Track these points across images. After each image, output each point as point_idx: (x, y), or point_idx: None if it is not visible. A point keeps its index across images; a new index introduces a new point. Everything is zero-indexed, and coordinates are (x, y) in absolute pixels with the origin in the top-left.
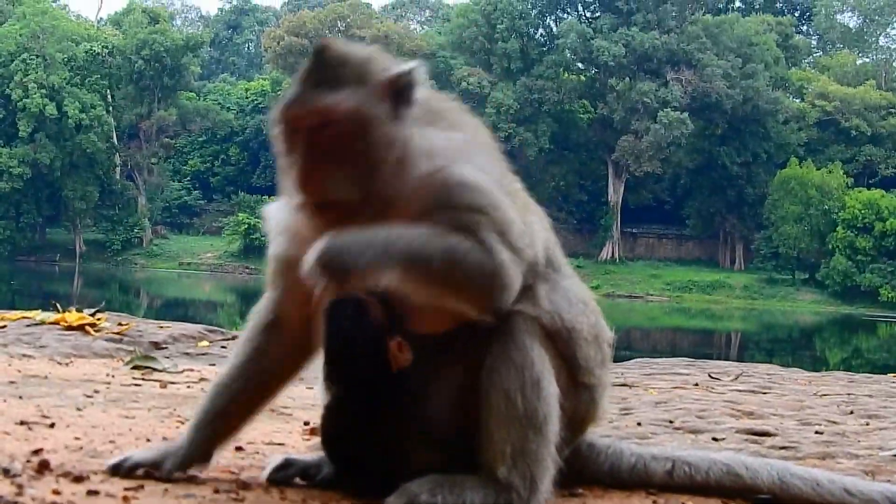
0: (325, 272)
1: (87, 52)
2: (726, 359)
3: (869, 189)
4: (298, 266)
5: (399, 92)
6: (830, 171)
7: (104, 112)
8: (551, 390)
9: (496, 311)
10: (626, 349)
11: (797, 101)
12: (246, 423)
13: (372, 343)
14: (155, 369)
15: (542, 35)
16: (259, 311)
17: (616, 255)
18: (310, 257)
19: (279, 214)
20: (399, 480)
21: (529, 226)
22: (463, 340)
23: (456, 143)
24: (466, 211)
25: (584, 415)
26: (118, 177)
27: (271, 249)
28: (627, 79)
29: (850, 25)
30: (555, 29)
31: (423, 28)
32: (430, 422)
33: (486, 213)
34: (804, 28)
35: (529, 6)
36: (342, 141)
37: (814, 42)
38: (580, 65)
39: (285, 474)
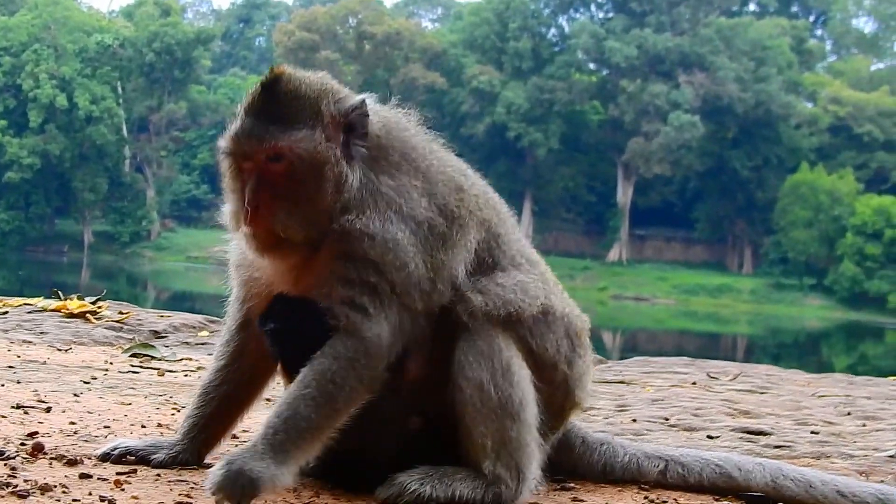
0: (231, 497)
1: (98, 44)
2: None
3: (880, 195)
4: (256, 267)
5: (351, 126)
6: (841, 177)
7: (114, 104)
8: (523, 374)
9: (376, 378)
10: (631, 351)
11: (810, 105)
12: (236, 422)
13: (318, 333)
14: (153, 357)
15: (554, 35)
16: (231, 314)
17: (624, 257)
18: (209, 483)
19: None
20: (371, 469)
21: (450, 260)
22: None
23: (386, 191)
24: (366, 267)
25: (562, 401)
26: (127, 169)
27: (231, 254)
28: (639, 80)
29: (865, 31)
30: (567, 29)
31: (434, 25)
32: (401, 412)
33: (381, 273)
34: (819, 32)
35: (542, 5)
36: (294, 180)
37: (828, 46)
38: (592, 65)
39: None
